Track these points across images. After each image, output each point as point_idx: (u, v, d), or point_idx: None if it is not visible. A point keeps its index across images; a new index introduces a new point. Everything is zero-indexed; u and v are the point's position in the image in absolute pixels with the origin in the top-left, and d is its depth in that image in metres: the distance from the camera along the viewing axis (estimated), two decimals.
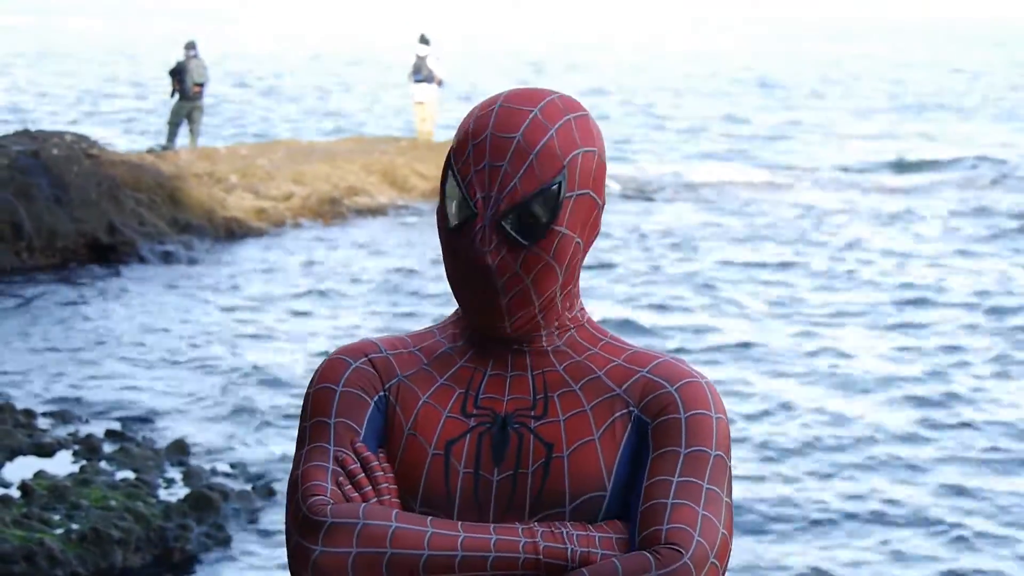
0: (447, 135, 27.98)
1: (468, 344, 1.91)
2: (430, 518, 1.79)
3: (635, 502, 1.80)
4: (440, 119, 28.67)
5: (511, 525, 1.79)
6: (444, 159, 1.85)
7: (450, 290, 1.89)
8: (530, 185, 1.74)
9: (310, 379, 1.93)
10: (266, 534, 9.89)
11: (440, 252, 1.91)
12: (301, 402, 1.98)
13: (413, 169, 24.40)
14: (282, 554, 8.81)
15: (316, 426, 1.86)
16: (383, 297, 17.61)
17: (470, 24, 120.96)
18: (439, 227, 1.84)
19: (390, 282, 18.37)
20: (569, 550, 1.73)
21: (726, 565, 1.82)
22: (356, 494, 1.79)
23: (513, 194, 1.75)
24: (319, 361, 2.09)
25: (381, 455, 1.86)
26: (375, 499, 1.82)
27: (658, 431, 1.81)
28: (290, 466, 1.89)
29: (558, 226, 1.77)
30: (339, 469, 1.80)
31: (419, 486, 1.82)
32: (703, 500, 1.77)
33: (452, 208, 1.81)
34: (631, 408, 1.84)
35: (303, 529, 1.77)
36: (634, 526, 1.78)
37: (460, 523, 1.79)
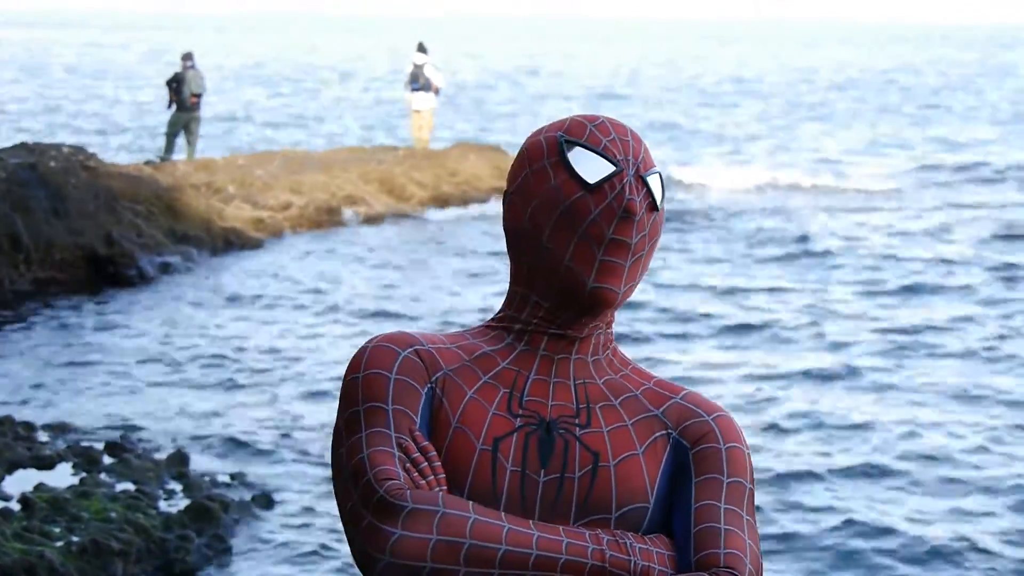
0: (443, 144, 28.31)
1: (509, 348, 1.89)
2: (504, 513, 1.79)
3: (682, 521, 1.82)
4: (436, 128, 28.37)
5: (580, 530, 1.79)
6: (541, 159, 1.88)
7: (532, 283, 1.89)
8: (650, 159, 1.82)
9: (353, 365, 1.87)
10: (267, 543, 9.62)
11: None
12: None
13: (410, 177, 24.00)
14: (283, 566, 8.81)
15: (372, 411, 1.82)
16: (383, 304, 17.12)
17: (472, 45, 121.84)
18: (542, 210, 1.83)
19: (390, 288, 18.08)
20: (632, 562, 1.72)
21: None
22: (423, 481, 1.77)
23: (646, 160, 1.81)
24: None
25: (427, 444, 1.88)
26: (438, 488, 1.81)
27: (699, 457, 1.84)
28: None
29: (662, 209, 1.83)
30: (403, 456, 1.77)
31: (466, 480, 1.80)
32: (745, 529, 1.81)
33: (590, 169, 1.81)
34: (670, 431, 1.86)
35: (381, 512, 1.73)
36: (686, 545, 1.80)
37: (532, 522, 1.78)
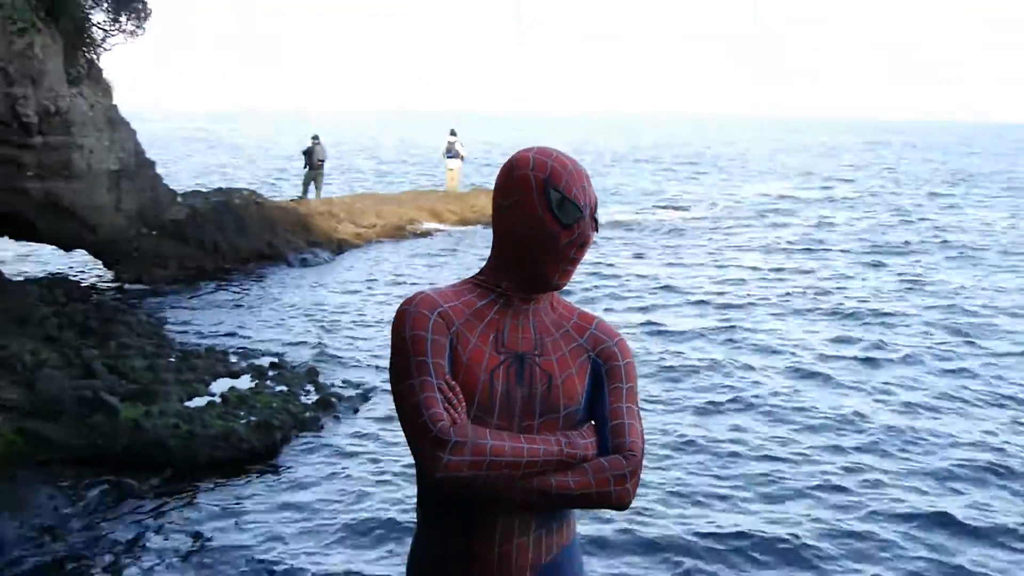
0: (466, 188, 31.09)
1: (492, 303, 2.44)
2: (506, 433, 2.33)
3: (602, 416, 2.41)
4: (462, 180, 31.08)
5: (548, 437, 2.35)
6: (530, 192, 2.33)
7: (513, 266, 2.41)
8: (595, 197, 2.38)
9: (399, 324, 2.38)
10: (364, 419, 10.75)
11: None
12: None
13: (447, 207, 27.32)
14: (367, 424, 10.41)
15: (420, 364, 2.32)
16: (432, 276, 18.84)
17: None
18: (533, 226, 2.34)
19: (433, 270, 20.03)
20: (578, 453, 2.33)
21: None
22: (455, 413, 2.28)
23: (594, 202, 2.38)
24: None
25: (450, 380, 2.34)
26: (463, 414, 2.31)
27: (609, 371, 2.45)
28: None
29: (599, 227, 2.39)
30: (443, 397, 2.28)
31: (475, 397, 2.35)
32: (638, 418, 2.42)
33: (567, 213, 2.33)
34: (590, 353, 2.46)
35: (435, 445, 2.25)
36: (604, 433, 2.39)
37: (523, 436, 2.33)
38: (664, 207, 34.47)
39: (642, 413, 2.49)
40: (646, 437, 2.51)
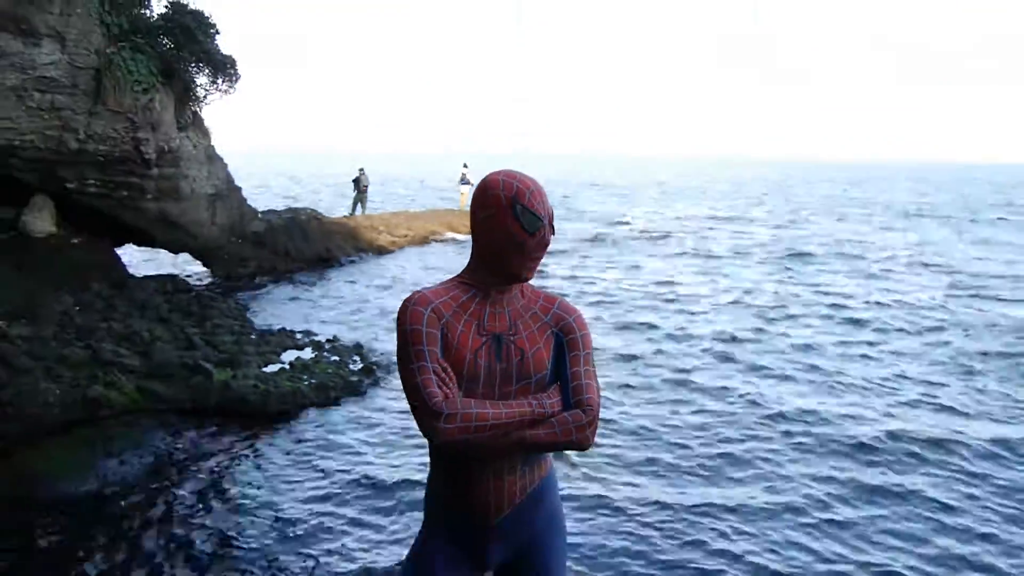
0: None
1: (473, 296, 2.37)
2: (488, 402, 2.27)
3: (564, 379, 2.34)
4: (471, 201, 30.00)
5: (522, 400, 2.30)
6: (500, 208, 2.22)
7: (489, 266, 2.30)
8: (551, 209, 2.32)
9: (402, 319, 2.30)
10: (398, 384, 9.55)
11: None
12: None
13: (461, 222, 26.74)
14: (400, 387, 9.16)
15: (418, 352, 2.27)
16: (449, 270, 17.72)
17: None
18: (503, 235, 2.23)
19: (450, 266, 19.54)
20: (547, 411, 2.29)
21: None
22: (447, 389, 2.25)
23: (551, 213, 2.32)
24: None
25: (443, 361, 2.29)
26: (454, 388, 2.26)
27: (569, 342, 2.38)
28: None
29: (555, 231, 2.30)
30: (437, 378, 2.25)
31: (463, 372, 2.31)
32: (593, 377, 2.35)
33: (530, 223, 2.24)
34: (553, 329, 2.39)
35: (432, 416, 2.20)
36: (567, 392, 2.32)
37: (502, 403, 2.28)
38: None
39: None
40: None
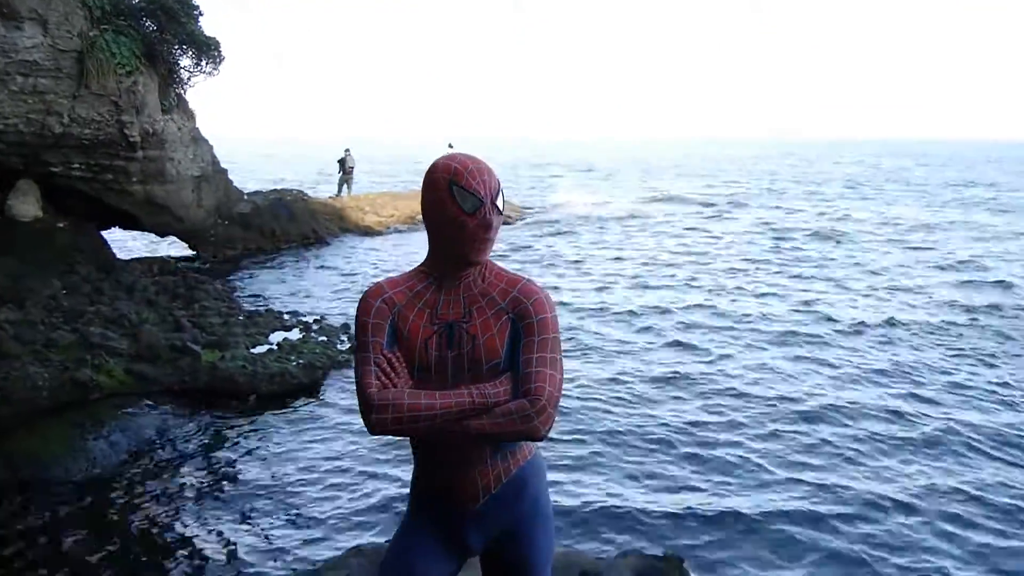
0: None
1: (429, 285, 2.29)
2: (423, 391, 2.18)
3: (516, 367, 2.21)
4: None
5: (460, 390, 2.17)
6: (440, 190, 2.14)
7: (440, 250, 2.21)
8: (497, 187, 2.19)
9: (357, 310, 2.28)
10: None
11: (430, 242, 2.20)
12: None
13: None
14: None
15: (363, 343, 2.23)
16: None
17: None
18: (445, 218, 2.16)
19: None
20: (490, 400, 2.16)
21: (561, 391, 2.19)
22: (388, 380, 2.20)
23: (495, 191, 2.18)
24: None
25: (396, 350, 2.24)
26: (397, 381, 2.20)
27: (524, 327, 2.23)
28: None
29: (503, 210, 2.18)
30: (377, 370, 2.20)
31: (414, 361, 2.24)
32: (548, 364, 2.19)
33: (467, 203, 2.14)
34: (510, 315, 2.24)
35: (367, 407, 2.17)
36: (517, 380, 2.19)
37: (438, 392, 2.17)
38: None
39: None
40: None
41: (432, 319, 2.25)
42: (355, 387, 2.21)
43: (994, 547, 6.25)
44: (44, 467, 7.21)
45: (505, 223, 25.60)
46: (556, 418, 2.15)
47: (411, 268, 2.37)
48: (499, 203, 2.20)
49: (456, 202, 2.16)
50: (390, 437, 7.65)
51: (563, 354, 2.25)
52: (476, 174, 2.18)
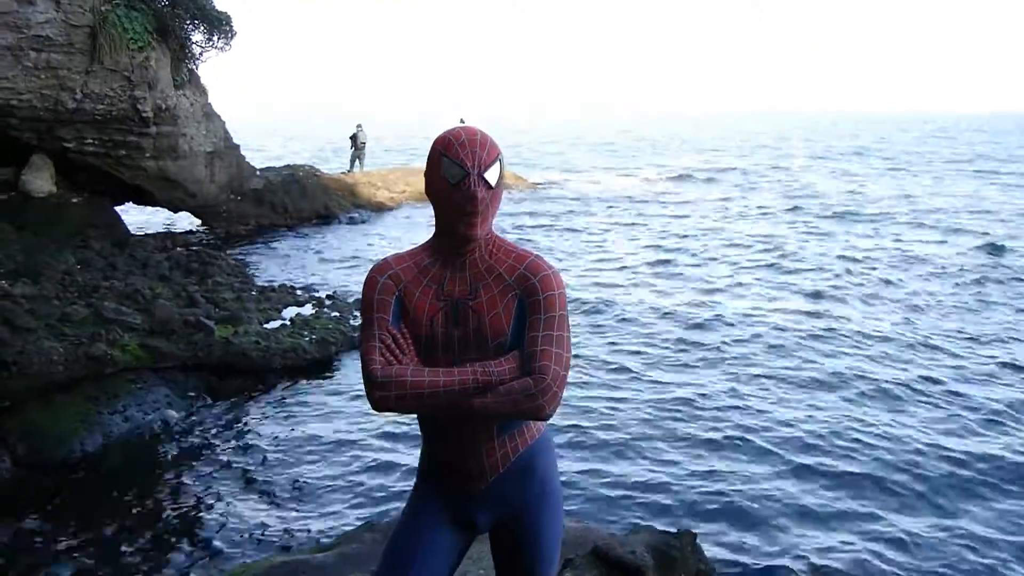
0: None
1: (435, 260, 2.25)
2: (427, 369, 2.15)
3: (522, 345, 2.17)
4: None
5: (464, 368, 2.14)
6: (433, 161, 2.08)
7: (440, 224, 2.17)
8: (490, 159, 2.10)
9: (364, 286, 2.23)
10: None
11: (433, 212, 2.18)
12: None
13: None
14: None
15: (368, 320, 2.20)
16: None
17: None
18: (436, 189, 2.14)
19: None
20: (494, 378, 2.13)
21: (568, 370, 2.14)
22: (393, 356, 2.18)
23: (484, 163, 2.09)
24: None
25: (402, 327, 2.21)
26: (403, 358, 2.17)
27: (530, 305, 2.19)
28: None
29: (501, 182, 2.09)
30: (382, 346, 2.18)
31: (420, 338, 2.21)
32: (554, 342, 2.15)
33: (451, 174, 2.10)
34: (516, 292, 2.19)
35: (369, 383, 2.15)
36: (523, 358, 2.15)
37: (442, 370, 2.15)
38: None
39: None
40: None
41: (438, 295, 2.21)
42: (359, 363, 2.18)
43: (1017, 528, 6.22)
44: (59, 441, 7.27)
45: (515, 197, 25.43)
46: (564, 395, 2.15)
47: (416, 245, 2.34)
48: (489, 176, 2.11)
49: (442, 173, 2.12)
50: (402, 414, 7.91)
51: (571, 330, 2.20)
52: (466, 145, 2.11)
